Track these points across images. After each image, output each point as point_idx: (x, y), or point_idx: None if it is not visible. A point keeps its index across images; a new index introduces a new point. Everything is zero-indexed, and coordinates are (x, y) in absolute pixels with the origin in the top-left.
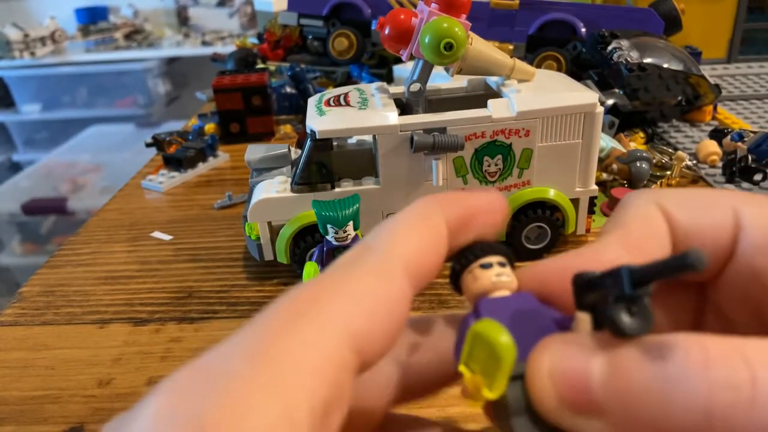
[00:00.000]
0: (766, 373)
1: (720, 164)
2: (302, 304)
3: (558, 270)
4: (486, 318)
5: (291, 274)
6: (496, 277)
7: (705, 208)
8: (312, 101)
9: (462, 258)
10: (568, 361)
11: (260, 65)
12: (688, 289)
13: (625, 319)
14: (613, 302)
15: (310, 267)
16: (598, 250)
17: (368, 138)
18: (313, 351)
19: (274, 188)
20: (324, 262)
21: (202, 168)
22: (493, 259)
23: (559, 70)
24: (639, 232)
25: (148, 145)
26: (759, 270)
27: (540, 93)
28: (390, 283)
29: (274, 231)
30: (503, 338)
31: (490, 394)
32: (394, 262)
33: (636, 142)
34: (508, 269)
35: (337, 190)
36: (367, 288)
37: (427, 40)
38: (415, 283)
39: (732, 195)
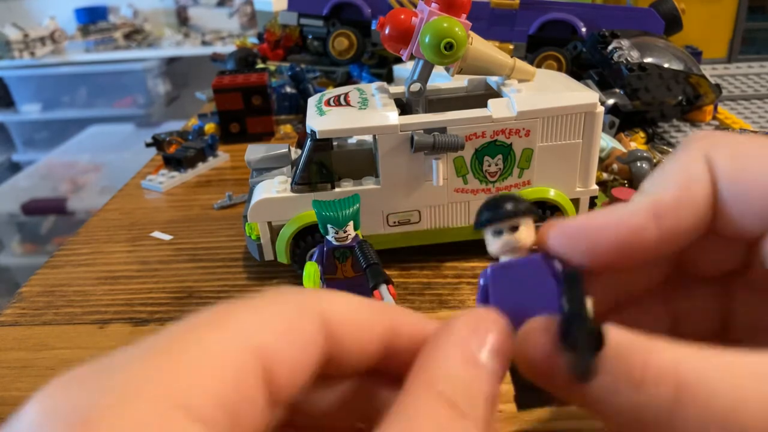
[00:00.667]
0: (691, 392)
1: None
2: (212, 315)
3: (582, 228)
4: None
5: (291, 274)
6: (504, 245)
7: (760, 163)
8: (312, 101)
9: (477, 221)
10: (540, 349)
11: (260, 65)
12: (737, 243)
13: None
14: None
15: (310, 267)
16: (626, 214)
17: (368, 138)
18: (212, 352)
19: (274, 188)
20: (324, 262)
21: (202, 168)
22: (505, 224)
23: (559, 69)
24: (673, 199)
25: (147, 145)
26: None
27: (540, 93)
28: (306, 321)
29: (274, 231)
30: None
31: None
32: (314, 310)
33: (636, 142)
34: (520, 232)
35: (337, 190)
36: (282, 314)
37: (427, 40)
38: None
39: None
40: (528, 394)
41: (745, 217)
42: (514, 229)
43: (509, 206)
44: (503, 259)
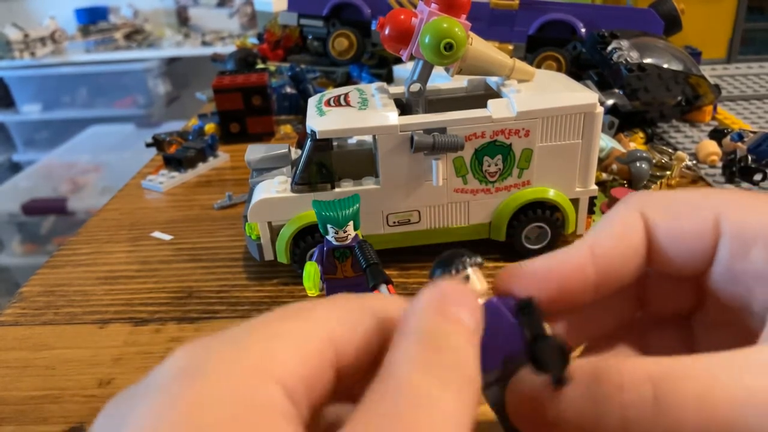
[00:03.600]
0: (667, 388)
1: (720, 164)
2: (296, 309)
3: (532, 273)
4: None
5: (291, 274)
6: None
7: (687, 215)
8: (312, 101)
9: (431, 275)
10: (528, 393)
11: (260, 65)
12: (685, 283)
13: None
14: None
15: (310, 267)
16: (568, 253)
17: (368, 138)
18: (297, 338)
19: (274, 188)
20: (324, 262)
21: (202, 168)
22: (457, 276)
23: (558, 70)
24: (609, 242)
25: (148, 145)
26: (737, 277)
27: (540, 93)
28: (367, 319)
29: (274, 231)
30: None
31: None
32: (372, 310)
33: (636, 142)
34: (472, 281)
35: (337, 190)
36: (350, 311)
37: (427, 41)
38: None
39: (718, 197)
40: None
41: (678, 256)
42: (466, 279)
43: (459, 259)
44: None
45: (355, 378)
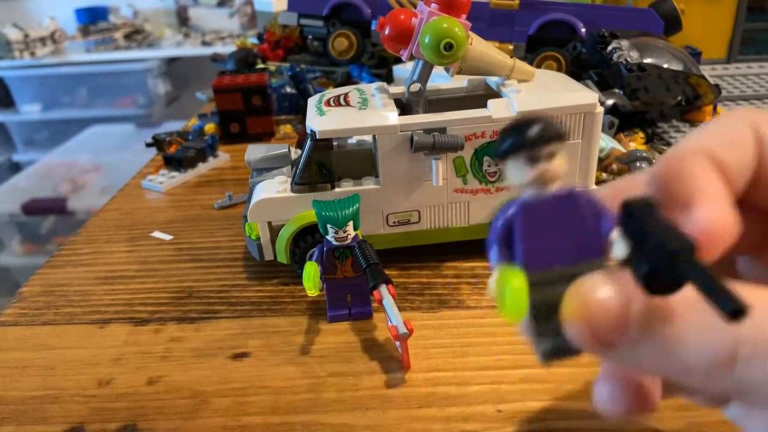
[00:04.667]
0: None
1: None
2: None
3: (630, 185)
4: (507, 265)
5: (291, 274)
6: (541, 174)
7: None
8: (312, 101)
9: (506, 144)
10: (610, 300)
11: (260, 65)
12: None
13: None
14: (649, 275)
15: (310, 267)
16: (682, 155)
17: (368, 138)
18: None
19: (274, 188)
20: (324, 262)
21: (202, 168)
22: (544, 150)
23: (559, 70)
24: (724, 149)
25: (148, 145)
26: None
27: (540, 93)
28: (747, 135)
29: (274, 231)
30: (514, 285)
31: (508, 318)
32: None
33: (636, 143)
34: (558, 159)
35: (337, 190)
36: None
37: (427, 41)
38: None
39: None
40: (552, 344)
41: None
42: (552, 155)
43: (550, 129)
44: (527, 193)
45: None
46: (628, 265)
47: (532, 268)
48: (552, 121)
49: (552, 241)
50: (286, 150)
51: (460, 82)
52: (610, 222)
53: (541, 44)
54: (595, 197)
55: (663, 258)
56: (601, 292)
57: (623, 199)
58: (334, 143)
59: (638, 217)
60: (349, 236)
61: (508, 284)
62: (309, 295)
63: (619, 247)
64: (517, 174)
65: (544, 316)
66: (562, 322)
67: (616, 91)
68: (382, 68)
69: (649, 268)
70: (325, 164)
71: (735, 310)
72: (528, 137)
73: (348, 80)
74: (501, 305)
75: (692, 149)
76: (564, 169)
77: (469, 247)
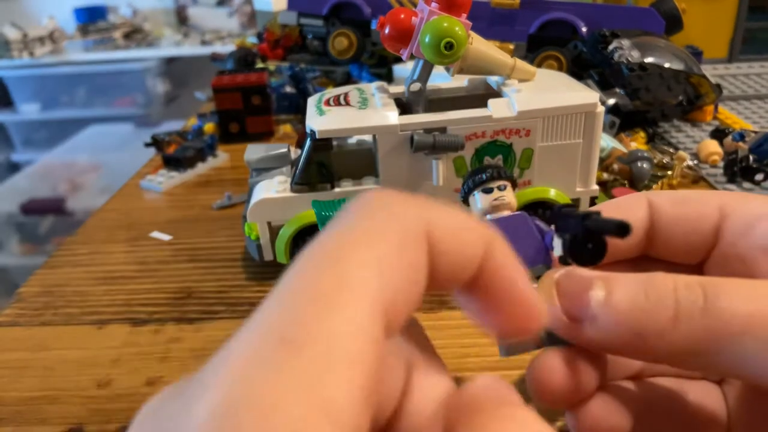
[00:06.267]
0: (715, 290)
1: (721, 164)
2: (328, 276)
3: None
4: None
5: None
6: (495, 200)
7: (692, 202)
8: (312, 101)
9: (468, 183)
10: (576, 285)
11: (260, 65)
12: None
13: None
14: (571, 241)
15: None
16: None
17: (368, 138)
18: (348, 335)
19: (273, 188)
20: None
21: (201, 168)
22: (494, 184)
23: (559, 69)
24: (612, 213)
25: (147, 145)
26: (742, 253)
27: (541, 93)
28: (414, 250)
29: (274, 231)
30: None
31: None
32: (420, 232)
33: (637, 142)
34: (507, 192)
35: (337, 190)
36: (391, 250)
37: (427, 40)
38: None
39: (721, 193)
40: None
41: (682, 241)
42: (503, 188)
43: (498, 170)
44: (486, 218)
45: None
46: (564, 260)
47: None
48: (500, 166)
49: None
50: (286, 150)
51: (461, 81)
52: (550, 235)
53: (542, 43)
54: (537, 220)
55: (574, 227)
56: (564, 276)
57: (554, 208)
58: (334, 143)
59: (563, 214)
60: None
61: None
62: None
63: (557, 246)
64: (478, 202)
65: None
66: None
67: (617, 90)
68: (382, 68)
69: (569, 240)
70: (325, 164)
71: (619, 226)
72: (481, 173)
73: (348, 80)
74: None
75: None
76: (513, 201)
77: None
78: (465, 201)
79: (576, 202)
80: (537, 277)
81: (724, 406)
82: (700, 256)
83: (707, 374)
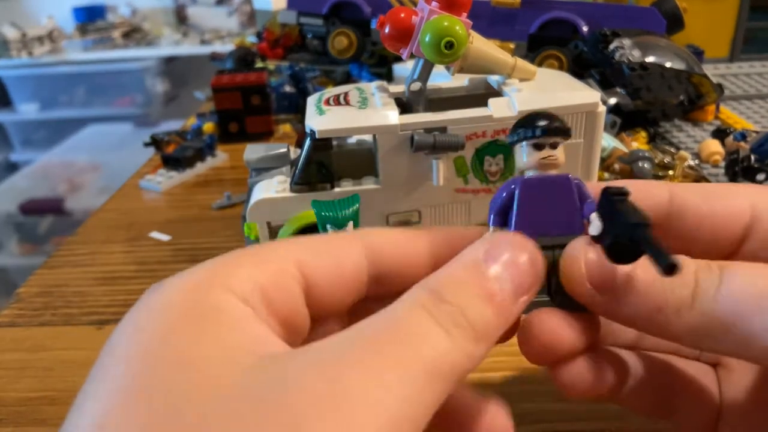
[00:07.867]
0: (731, 270)
1: (722, 164)
2: (270, 243)
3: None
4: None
5: None
6: (543, 159)
7: (723, 197)
8: (311, 100)
9: (519, 132)
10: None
11: (259, 64)
12: None
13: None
14: (612, 242)
15: None
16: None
17: (368, 138)
18: (260, 257)
19: (273, 188)
20: None
21: (200, 168)
22: (549, 140)
23: (560, 69)
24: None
25: (146, 145)
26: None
27: (541, 92)
28: (346, 245)
29: (274, 231)
30: None
31: None
32: (355, 237)
33: (638, 142)
34: (558, 150)
35: (337, 190)
36: (323, 241)
37: (427, 39)
38: None
39: (750, 190)
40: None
41: (710, 236)
42: (555, 146)
43: (556, 123)
44: (530, 173)
45: (349, 303)
46: (599, 240)
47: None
48: (560, 118)
49: (542, 214)
50: (286, 149)
51: (461, 81)
52: (591, 206)
53: (543, 43)
54: (584, 186)
55: (623, 232)
56: (593, 249)
57: (604, 186)
58: (334, 143)
59: (612, 201)
60: None
61: None
62: None
63: (595, 226)
64: (523, 156)
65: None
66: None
67: (618, 90)
68: (382, 67)
69: (612, 240)
70: (325, 164)
71: (669, 266)
72: (537, 127)
73: (348, 79)
74: None
75: None
76: (563, 160)
77: None
78: (511, 146)
79: None
80: (562, 246)
81: (716, 388)
82: (724, 253)
83: (720, 353)
